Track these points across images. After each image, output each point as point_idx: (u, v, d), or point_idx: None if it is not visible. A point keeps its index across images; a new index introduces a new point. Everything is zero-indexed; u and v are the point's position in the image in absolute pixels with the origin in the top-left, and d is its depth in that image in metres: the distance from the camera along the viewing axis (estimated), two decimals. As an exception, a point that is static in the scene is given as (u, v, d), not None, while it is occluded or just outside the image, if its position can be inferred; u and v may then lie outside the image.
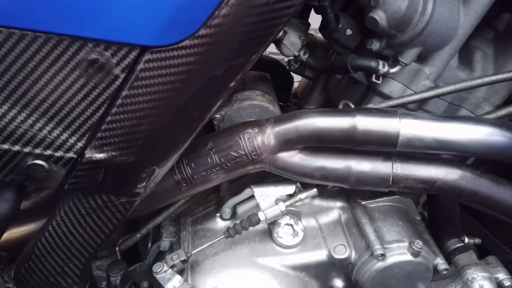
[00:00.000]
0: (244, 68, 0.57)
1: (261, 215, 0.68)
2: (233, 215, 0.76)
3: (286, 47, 0.69)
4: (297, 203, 0.71)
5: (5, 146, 0.49)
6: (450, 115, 0.72)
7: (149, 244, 0.81)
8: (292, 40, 0.69)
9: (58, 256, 0.63)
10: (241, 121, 0.74)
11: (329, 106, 0.85)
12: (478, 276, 0.70)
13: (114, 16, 0.46)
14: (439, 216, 0.84)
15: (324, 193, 0.75)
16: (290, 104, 1.07)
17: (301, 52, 0.71)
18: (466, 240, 0.77)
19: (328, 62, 0.75)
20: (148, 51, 0.48)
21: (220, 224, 0.76)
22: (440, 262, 0.71)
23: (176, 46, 0.49)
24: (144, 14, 0.47)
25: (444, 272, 0.71)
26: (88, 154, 0.52)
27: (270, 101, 0.79)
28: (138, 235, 0.79)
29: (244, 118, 0.77)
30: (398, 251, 0.66)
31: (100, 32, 0.46)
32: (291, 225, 0.72)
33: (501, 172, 0.71)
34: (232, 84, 0.58)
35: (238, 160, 0.64)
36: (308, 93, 0.94)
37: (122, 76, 0.49)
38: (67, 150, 0.51)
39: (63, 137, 0.51)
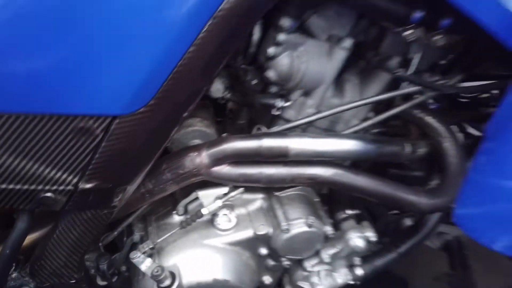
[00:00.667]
0: (188, 110, 0.84)
1: (204, 211, 0.97)
2: (185, 212, 1.05)
3: (212, 92, 0.98)
4: (231, 199, 1.01)
5: (26, 187, 0.74)
6: (330, 130, 1.04)
7: (125, 238, 1.08)
8: (217, 87, 0.97)
9: (61, 254, 0.88)
10: (186, 144, 1.02)
11: (254, 124, 1.14)
12: (354, 236, 1.05)
13: (95, 99, 0.71)
14: (332, 197, 1.18)
15: (250, 189, 1.05)
16: (227, 118, 1.35)
17: (225, 93, 0.99)
18: (350, 212, 1.12)
19: (245, 99, 1.03)
20: (118, 118, 0.74)
21: (176, 219, 1.05)
22: (328, 229, 1.04)
23: (135, 112, 0.75)
24: (114, 96, 0.72)
25: (332, 236, 1.05)
26: (81, 185, 0.78)
27: (207, 125, 1.07)
28: (115, 233, 1.06)
29: (189, 140, 1.04)
30: (298, 225, 0.99)
31: (87, 109, 0.71)
32: (227, 215, 1.02)
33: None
34: (178, 124, 0.85)
35: (184, 175, 0.92)
36: (238, 114, 1.23)
37: (101, 134, 0.74)
38: (67, 185, 0.77)
39: (64, 176, 0.76)
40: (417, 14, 0.79)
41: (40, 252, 0.88)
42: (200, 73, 0.78)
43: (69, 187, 0.77)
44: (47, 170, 0.74)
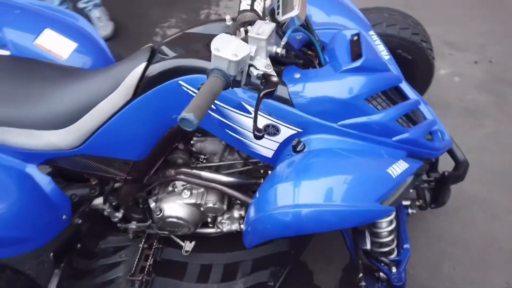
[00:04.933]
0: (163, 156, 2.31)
1: (177, 189, 2.47)
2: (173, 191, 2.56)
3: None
4: (187, 186, 2.49)
5: (113, 176, 2.34)
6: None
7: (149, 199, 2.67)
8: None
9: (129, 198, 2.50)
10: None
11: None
12: (235, 212, 2.44)
13: (132, 154, 2.26)
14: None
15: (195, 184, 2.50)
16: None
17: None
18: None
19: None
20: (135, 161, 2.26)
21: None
22: (224, 207, 2.45)
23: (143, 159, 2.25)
24: (136, 153, 2.24)
25: (225, 209, 2.46)
26: (129, 176, 2.35)
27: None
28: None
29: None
30: (211, 202, 2.43)
31: (132, 157, 2.26)
32: (186, 192, 2.50)
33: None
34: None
35: (169, 176, 2.43)
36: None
37: (131, 163, 2.28)
38: (123, 174, 2.35)
39: (120, 172, 2.33)
40: None
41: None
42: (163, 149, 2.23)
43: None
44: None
